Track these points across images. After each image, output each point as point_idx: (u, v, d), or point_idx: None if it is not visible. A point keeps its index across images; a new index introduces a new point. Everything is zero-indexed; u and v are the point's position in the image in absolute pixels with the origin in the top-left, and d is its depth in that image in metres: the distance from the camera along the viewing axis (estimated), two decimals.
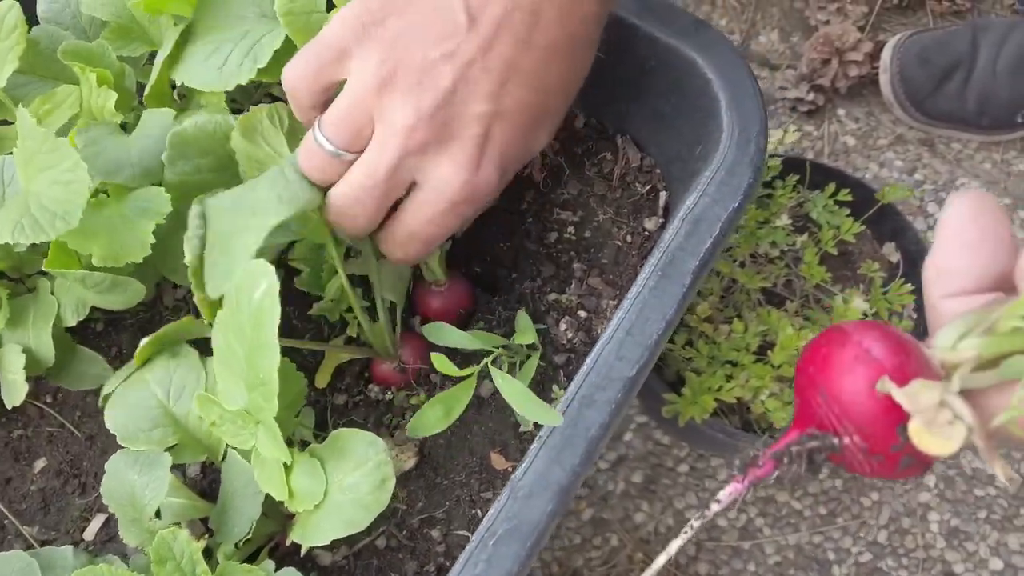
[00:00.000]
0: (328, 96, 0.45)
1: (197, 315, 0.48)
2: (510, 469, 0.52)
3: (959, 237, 0.28)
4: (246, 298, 0.39)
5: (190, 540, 0.42)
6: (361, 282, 0.54)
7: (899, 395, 0.25)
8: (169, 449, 0.47)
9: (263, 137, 0.49)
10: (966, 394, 0.26)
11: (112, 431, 0.46)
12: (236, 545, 0.46)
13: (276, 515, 0.49)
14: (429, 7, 0.42)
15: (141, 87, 0.54)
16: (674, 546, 0.28)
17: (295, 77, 0.45)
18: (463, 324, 0.57)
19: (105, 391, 0.49)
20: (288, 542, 0.46)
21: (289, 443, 0.48)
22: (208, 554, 0.46)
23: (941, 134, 1.06)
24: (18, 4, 0.50)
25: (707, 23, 0.53)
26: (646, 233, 0.58)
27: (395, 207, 0.47)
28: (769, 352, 0.65)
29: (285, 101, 0.61)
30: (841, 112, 1.08)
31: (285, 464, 0.42)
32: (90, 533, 0.52)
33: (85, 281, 0.44)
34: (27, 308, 0.49)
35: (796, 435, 0.28)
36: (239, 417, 0.42)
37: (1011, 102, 1.01)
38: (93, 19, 0.54)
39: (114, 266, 0.43)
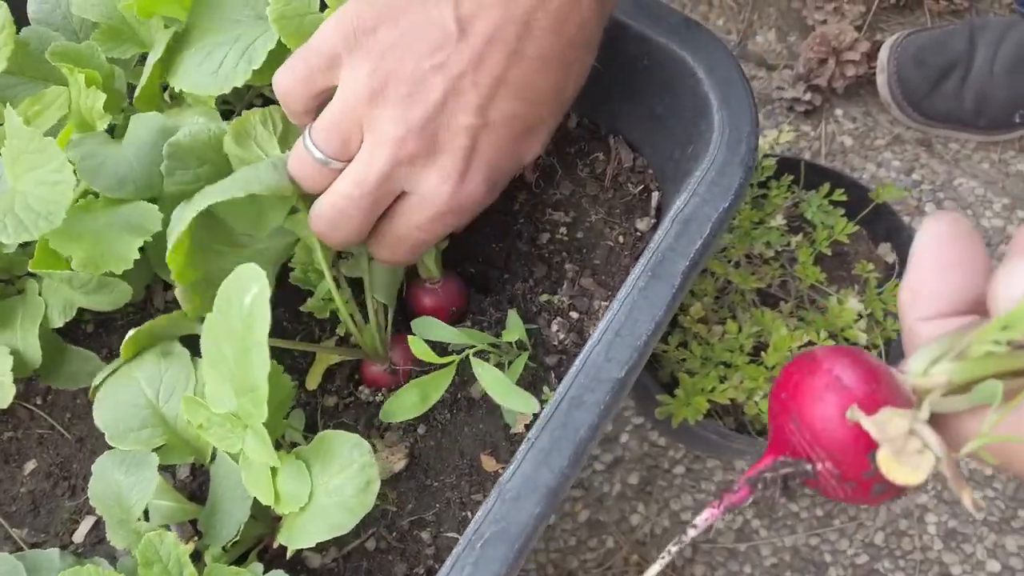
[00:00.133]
0: (320, 102, 0.45)
1: None
2: (501, 471, 0.52)
3: (934, 260, 0.28)
4: (236, 302, 0.39)
5: (177, 542, 0.42)
6: (353, 281, 0.54)
7: (868, 424, 0.25)
8: (157, 450, 0.47)
9: (256, 142, 0.49)
10: (940, 419, 0.26)
11: (101, 429, 0.46)
12: (224, 548, 0.46)
13: (265, 517, 0.48)
14: (421, 18, 0.42)
15: (132, 88, 0.54)
16: (652, 571, 0.28)
17: (286, 83, 0.45)
18: (454, 324, 0.57)
19: (95, 383, 0.48)
20: (276, 544, 0.46)
21: (278, 445, 0.47)
22: (197, 556, 0.46)
23: (939, 134, 1.05)
24: (7, 5, 0.50)
25: (698, 22, 0.53)
26: (638, 234, 0.58)
27: (386, 211, 0.47)
28: (763, 353, 0.65)
29: (278, 103, 0.61)
30: (838, 112, 1.08)
31: (272, 467, 0.42)
32: (79, 536, 0.52)
33: (71, 281, 0.44)
34: (15, 309, 0.49)
35: (770, 461, 0.28)
36: (227, 420, 0.42)
37: (1009, 102, 1.01)
38: (84, 20, 0.54)
39: (94, 273, 0.43)
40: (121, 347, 0.47)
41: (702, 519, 0.28)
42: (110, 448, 0.47)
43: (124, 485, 0.44)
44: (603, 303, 0.56)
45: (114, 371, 0.47)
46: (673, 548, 0.28)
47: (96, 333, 0.57)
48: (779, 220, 0.71)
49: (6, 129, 0.43)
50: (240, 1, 0.51)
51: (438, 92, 0.42)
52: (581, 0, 0.42)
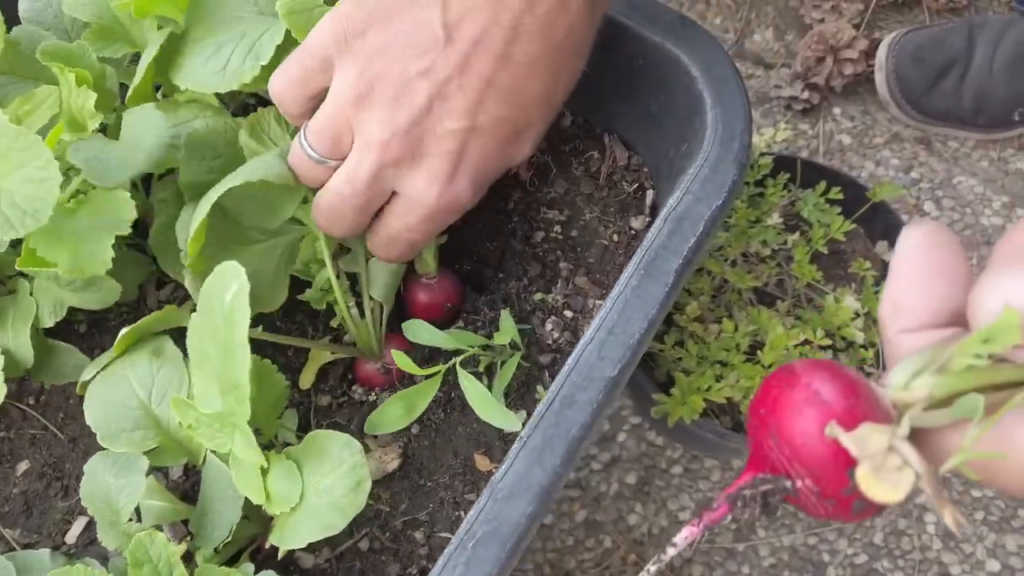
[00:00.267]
0: (316, 103, 0.46)
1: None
2: (494, 470, 0.51)
3: (914, 270, 0.27)
4: (218, 300, 0.39)
5: (167, 543, 0.42)
6: (352, 277, 0.54)
7: (847, 440, 0.25)
8: (150, 452, 0.47)
9: (270, 136, 0.50)
10: (921, 434, 0.26)
11: (93, 428, 0.46)
12: (216, 548, 0.46)
13: (257, 518, 0.48)
14: (409, 22, 0.42)
15: (123, 88, 0.54)
16: None
17: (281, 86, 0.46)
18: (449, 321, 0.56)
19: (84, 377, 0.48)
20: (268, 545, 0.46)
21: (271, 445, 0.47)
22: (190, 557, 0.46)
23: (938, 132, 1.05)
24: None
25: (692, 20, 0.53)
26: (633, 232, 0.58)
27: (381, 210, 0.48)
28: (759, 352, 0.65)
29: (269, 102, 0.61)
30: (836, 111, 1.07)
31: (262, 467, 0.42)
32: (72, 536, 0.52)
33: (59, 280, 0.44)
34: (6, 309, 0.49)
35: (750, 477, 0.28)
36: (215, 420, 0.42)
37: (1008, 100, 1.00)
38: (75, 20, 0.54)
39: (79, 276, 0.43)
40: (115, 343, 0.47)
41: (681, 538, 0.28)
42: (103, 448, 0.47)
43: (114, 487, 0.44)
44: (597, 302, 0.56)
45: (105, 366, 0.47)
46: (652, 568, 0.28)
47: (89, 333, 0.57)
48: (775, 218, 0.71)
49: None
50: None
51: (423, 96, 0.42)
52: (570, 5, 0.42)
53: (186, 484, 0.52)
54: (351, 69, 0.43)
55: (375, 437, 0.53)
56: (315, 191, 0.48)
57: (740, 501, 0.27)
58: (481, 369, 0.53)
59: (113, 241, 0.43)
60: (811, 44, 1.04)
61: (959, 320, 0.26)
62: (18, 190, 0.39)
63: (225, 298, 0.38)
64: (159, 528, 0.47)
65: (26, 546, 0.51)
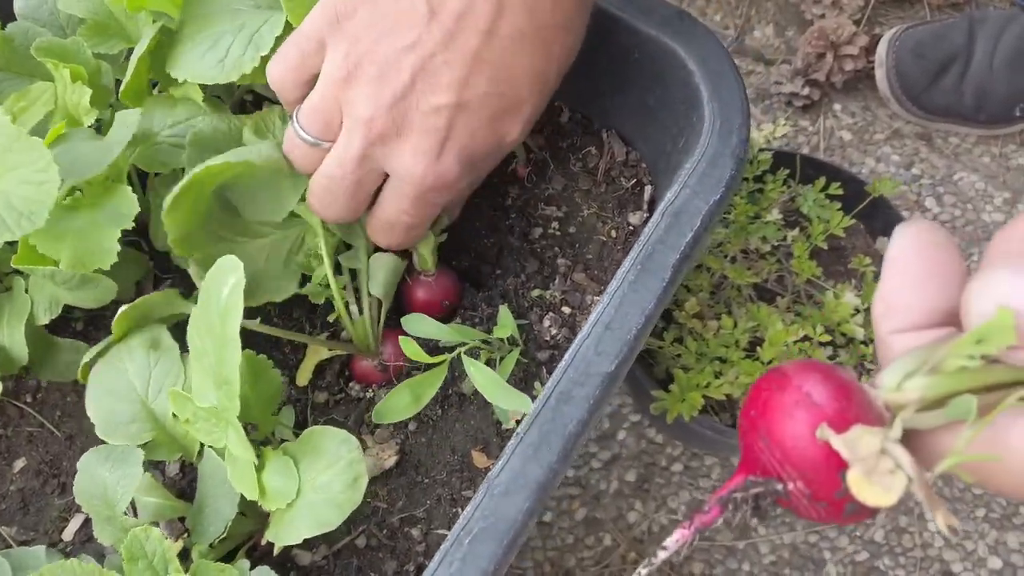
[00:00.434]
0: (312, 88, 0.46)
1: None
2: (492, 467, 0.51)
3: (907, 270, 0.27)
4: (215, 295, 0.39)
5: (162, 538, 0.41)
6: (352, 274, 0.54)
7: (838, 443, 0.24)
8: (144, 446, 0.47)
9: (273, 134, 0.51)
10: (914, 436, 0.25)
11: (92, 419, 0.46)
12: (212, 545, 0.46)
13: (254, 514, 0.48)
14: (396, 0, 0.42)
15: (119, 84, 0.54)
16: None
17: (280, 71, 0.46)
18: (447, 319, 0.56)
19: (85, 359, 0.48)
20: (264, 541, 0.46)
21: (267, 442, 0.47)
22: (186, 554, 0.46)
23: (939, 128, 1.05)
24: None
25: (689, 14, 0.52)
26: (631, 228, 0.58)
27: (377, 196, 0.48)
28: (759, 348, 0.65)
29: (266, 98, 0.61)
30: (837, 107, 1.07)
31: (257, 462, 0.42)
32: (68, 533, 0.52)
33: (55, 278, 0.43)
34: (1, 306, 0.49)
35: (741, 480, 0.27)
36: (211, 415, 0.42)
37: (1009, 95, 1.00)
38: (70, 16, 0.54)
39: (82, 271, 0.43)
40: (113, 323, 0.47)
41: (672, 541, 0.27)
42: (101, 443, 0.47)
43: (109, 481, 0.44)
44: (595, 298, 0.55)
45: (103, 350, 0.47)
46: (643, 571, 0.28)
47: (85, 331, 0.57)
48: (775, 215, 0.71)
49: None
50: None
51: (407, 72, 0.42)
52: None
53: (183, 481, 0.52)
54: (340, 49, 0.43)
55: (372, 433, 0.53)
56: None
57: (731, 504, 0.27)
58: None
59: (119, 235, 0.43)
60: (811, 40, 1.04)
61: (952, 320, 0.26)
62: (15, 192, 0.39)
63: (222, 292, 0.38)
64: (156, 525, 0.47)
65: (23, 543, 0.51)
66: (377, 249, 0.53)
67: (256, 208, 0.50)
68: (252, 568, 0.44)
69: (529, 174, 0.60)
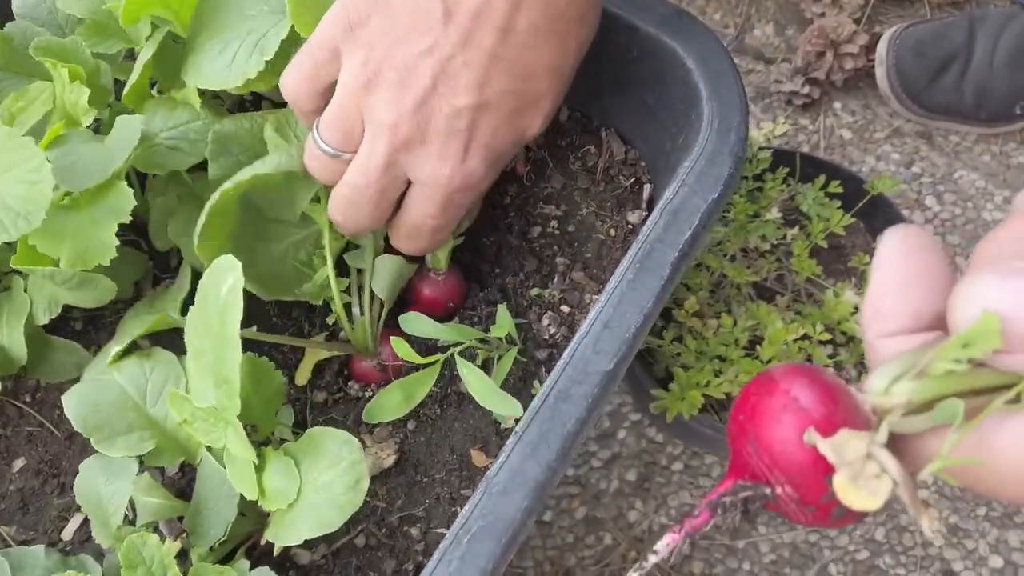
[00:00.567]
0: (328, 98, 0.46)
1: None
2: (490, 466, 0.51)
3: (895, 276, 0.27)
4: (213, 294, 0.39)
5: (159, 544, 0.41)
6: (355, 272, 0.54)
7: (824, 447, 0.24)
8: (147, 453, 0.47)
9: (294, 132, 0.51)
10: (901, 439, 0.26)
11: (84, 434, 0.46)
12: (212, 546, 0.46)
13: (253, 514, 0.48)
14: (409, 3, 0.42)
15: (118, 83, 0.54)
16: None
17: (293, 82, 0.46)
18: (447, 318, 0.56)
19: (115, 351, 0.48)
20: (264, 541, 0.46)
21: (267, 442, 0.47)
22: (185, 555, 0.46)
23: (939, 126, 1.05)
24: None
25: (688, 12, 0.52)
26: (630, 227, 0.58)
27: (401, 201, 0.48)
28: (759, 347, 0.65)
29: (265, 97, 0.61)
30: (837, 105, 1.07)
31: (258, 462, 0.42)
32: (68, 533, 0.52)
33: (54, 277, 0.43)
34: (0, 307, 0.49)
35: (730, 484, 0.27)
36: (210, 415, 0.42)
37: (1009, 94, 1.00)
38: (69, 16, 0.54)
39: (83, 268, 0.43)
40: (108, 362, 0.47)
41: (663, 545, 0.27)
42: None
43: (104, 492, 0.44)
44: (594, 297, 0.55)
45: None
46: (635, 574, 0.28)
47: (85, 331, 0.57)
48: (775, 213, 0.71)
49: None
50: None
51: (427, 77, 0.42)
52: None
53: (182, 481, 0.52)
54: (357, 57, 0.43)
55: (371, 433, 0.53)
56: (330, 188, 0.47)
57: (721, 508, 0.27)
58: (478, 364, 0.52)
59: (116, 229, 0.43)
60: (811, 39, 1.03)
61: (940, 324, 0.26)
62: (10, 192, 0.39)
63: (221, 292, 0.38)
64: (155, 525, 0.47)
65: (22, 543, 0.51)
66: (387, 249, 0.53)
67: (272, 207, 0.51)
68: (252, 568, 0.44)
69: (528, 173, 0.60)
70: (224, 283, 0.38)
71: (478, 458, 0.51)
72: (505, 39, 0.42)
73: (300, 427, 0.53)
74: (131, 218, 0.44)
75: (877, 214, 0.76)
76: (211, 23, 0.50)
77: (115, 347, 0.48)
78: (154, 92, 0.55)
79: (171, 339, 0.50)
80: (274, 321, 0.57)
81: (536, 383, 0.53)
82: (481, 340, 0.52)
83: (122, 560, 0.40)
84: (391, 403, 0.48)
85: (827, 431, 0.25)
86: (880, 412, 0.26)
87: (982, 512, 0.87)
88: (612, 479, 0.88)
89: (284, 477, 0.42)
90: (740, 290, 0.71)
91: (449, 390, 0.53)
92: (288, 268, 0.52)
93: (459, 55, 0.42)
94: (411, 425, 0.53)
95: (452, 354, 0.49)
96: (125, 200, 0.43)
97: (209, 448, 0.44)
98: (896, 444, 0.25)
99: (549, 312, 0.55)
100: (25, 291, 0.49)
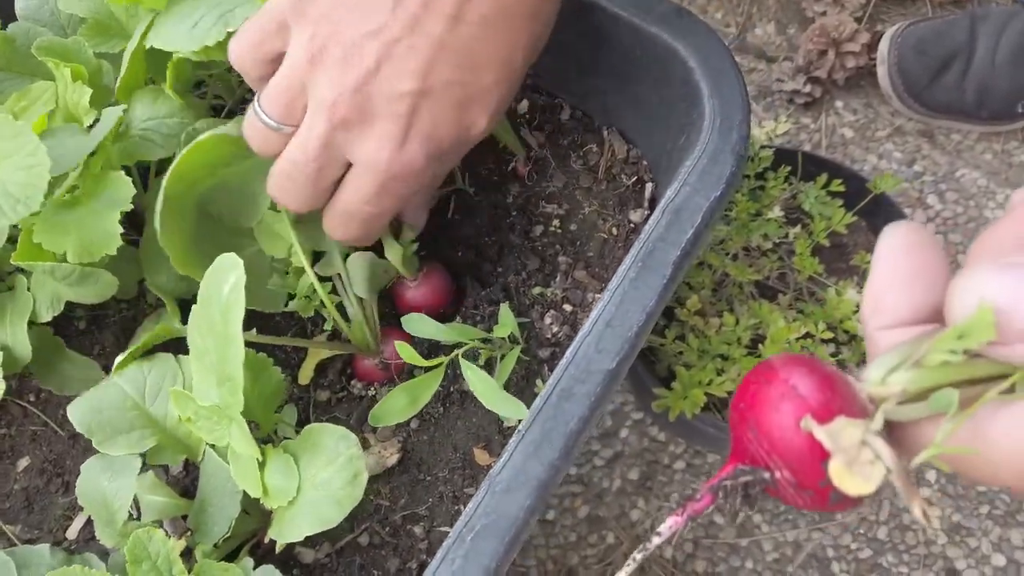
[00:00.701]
0: (275, 68, 0.45)
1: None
2: (493, 464, 0.51)
3: (894, 271, 0.28)
4: (216, 293, 0.39)
5: (165, 540, 0.42)
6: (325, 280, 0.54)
7: (821, 433, 0.25)
8: (149, 451, 0.47)
9: None
10: (898, 428, 0.26)
11: (86, 435, 0.46)
12: (216, 544, 0.46)
13: (257, 512, 0.48)
14: None
15: None
16: None
17: (239, 48, 0.45)
18: (446, 319, 0.56)
19: (119, 360, 0.48)
20: (267, 539, 0.46)
21: (269, 440, 0.47)
22: (190, 553, 0.46)
23: (940, 125, 1.05)
24: None
25: (689, 11, 0.52)
26: (632, 225, 0.58)
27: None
28: (761, 346, 0.65)
29: None
30: (839, 104, 1.07)
31: (259, 460, 0.42)
32: (72, 532, 0.52)
33: (55, 273, 0.44)
34: (3, 305, 0.49)
35: (731, 469, 0.28)
36: (213, 413, 0.42)
37: (1011, 92, 1.00)
38: (71, 16, 0.54)
39: (89, 260, 0.43)
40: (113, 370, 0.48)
41: (666, 527, 0.28)
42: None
43: (108, 490, 0.44)
44: (596, 295, 0.55)
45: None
46: (638, 556, 0.28)
47: (88, 330, 0.57)
48: (777, 212, 0.71)
49: None
50: None
51: (372, 57, 0.41)
52: None
53: (186, 479, 0.52)
54: (305, 31, 0.42)
55: (374, 432, 0.53)
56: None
57: (722, 492, 0.28)
58: (481, 363, 0.52)
59: (119, 217, 0.43)
60: (813, 37, 1.03)
61: (937, 318, 0.27)
62: (8, 178, 0.39)
63: (223, 290, 0.38)
64: (159, 523, 0.47)
65: (27, 542, 0.51)
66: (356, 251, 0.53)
67: (232, 214, 0.50)
68: (255, 566, 0.44)
69: (530, 172, 0.60)
70: (226, 282, 0.38)
71: (481, 456, 0.51)
72: (454, 28, 0.41)
73: (303, 426, 0.53)
74: (131, 206, 0.44)
75: (879, 213, 0.76)
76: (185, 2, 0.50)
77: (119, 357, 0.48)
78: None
79: (172, 341, 0.50)
80: (276, 321, 0.57)
81: (539, 382, 0.53)
82: (484, 339, 0.52)
83: (128, 555, 0.40)
84: (397, 406, 0.49)
85: (824, 418, 0.26)
86: (876, 401, 0.26)
87: (985, 510, 0.87)
88: (615, 478, 0.88)
89: (283, 474, 0.42)
90: (742, 289, 0.71)
91: (452, 389, 0.53)
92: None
93: (405, 39, 0.41)
94: (414, 424, 0.53)
95: (456, 355, 0.49)
96: (124, 189, 0.43)
97: (212, 446, 0.45)
98: (893, 433, 0.26)
99: (551, 311, 0.55)
100: (28, 290, 0.49)
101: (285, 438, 0.50)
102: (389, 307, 0.57)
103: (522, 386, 0.53)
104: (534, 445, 0.41)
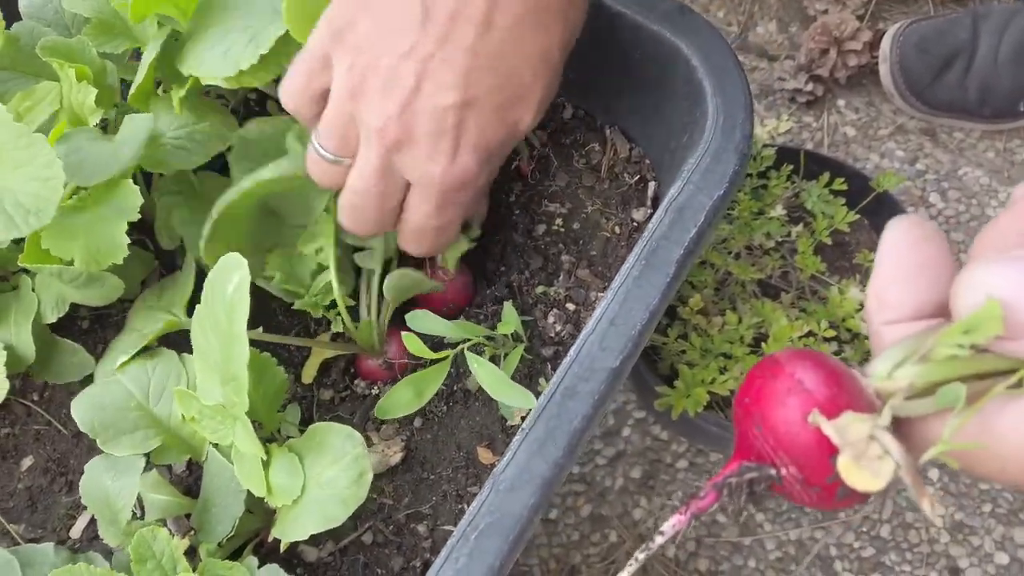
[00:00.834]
0: (325, 104, 0.46)
1: None
2: (497, 463, 0.51)
3: (899, 266, 0.28)
4: (220, 292, 0.39)
5: (170, 538, 0.42)
6: (359, 272, 0.54)
7: (828, 428, 0.25)
8: (153, 451, 0.47)
9: None
10: (905, 423, 0.26)
11: (90, 435, 0.46)
12: (220, 543, 0.46)
13: (260, 511, 0.48)
14: (392, 6, 0.42)
15: (124, 83, 0.54)
16: None
17: (290, 92, 0.47)
18: (450, 317, 0.56)
19: (122, 360, 0.49)
20: (271, 538, 0.46)
21: (272, 439, 0.47)
22: (194, 552, 0.46)
23: (943, 123, 1.04)
24: None
25: (691, 9, 0.52)
26: (635, 224, 0.58)
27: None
28: (764, 344, 0.65)
29: (270, 97, 0.61)
30: (841, 102, 1.07)
31: (264, 459, 0.42)
32: (76, 531, 0.52)
33: (62, 276, 0.44)
34: (8, 305, 0.49)
35: (736, 466, 0.28)
36: (217, 412, 0.42)
37: (1013, 90, 1.00)
38: (75, 15, 0.54)
39: (96, 268, 0.43)
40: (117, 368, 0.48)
41: (669, 526, 0.28)
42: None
43: (111, 490, 0.44)
44: (599, 294, 0.55)
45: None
46: (640, 555, 0.28)
47: (92, 329, 0.57)
48: (779, 210, 0.71)
49: None
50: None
51: (410, 78, 0.42)
52: None
53: (189, 479, 0.53)
54: (344, 63, 0.43)
55: (378, 430, 0.53)
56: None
57: (727, 489, 0.28)
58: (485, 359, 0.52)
59: (126, 227, 0.43)
60: (815, 36, 1.03)
61: (943, 312, 0.27)
62: (21, 189, 0.39)
63: (227, 290, 0.38)
64: (163, 522, 0.47)
65: (31, 541, 0.52)
66: (401, 257, 0.53)
67: (291, 212, 0.51)
68: (260, 565, 0.44)
69: (532, 171, 0.60)
70: (230, 281, 0.39)
71: (484, 455, 0.51)
72: (484, 34, 0.42)
73: (307, 425, 0.53)
74: (139, 216, 0.44)
75: (882, 211, 0.76)
76: (212, 18, 0.51)
77: (121, 357, 0.48)
78: (159, 92, 0.55)
79: (175, 338, 0.50)
80: (280, 320, 0.57)
81: (542, 380, 0.53)
82: (487, 337, 0.52)
83: (132, 554, 0.40)
84: (402, 400, 0.49)
85: (831, 413, 0.25)
86: (883, 396, 0.26)
87: (988, 509, 0.87)
88: (617, 477, 0.88)
89: (288, 473, 0.42)
90: (745, 287, 0.71)
91: (455, 387, 0.53)
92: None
93: (438, 53, 0.42)
94: (417, 423, 0.53)
95: (462, 350, 0.49)
96: (133, 198, 0.43)
97: (216, 445, 0.45)
98: (899, 428, 0.26)
99: (555, 310, 0.55)
100: (33, 290, 0.49)
101: (288, 437, 0.50)
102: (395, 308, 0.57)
103: (525, 384, 0.53)
104: (538, 443, 0.41)
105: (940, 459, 0.25)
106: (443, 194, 0.46)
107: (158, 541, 0.42)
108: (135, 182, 0.46)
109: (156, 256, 0.58)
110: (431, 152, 0.44)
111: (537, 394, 0.52)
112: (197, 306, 0.41)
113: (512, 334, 0.52)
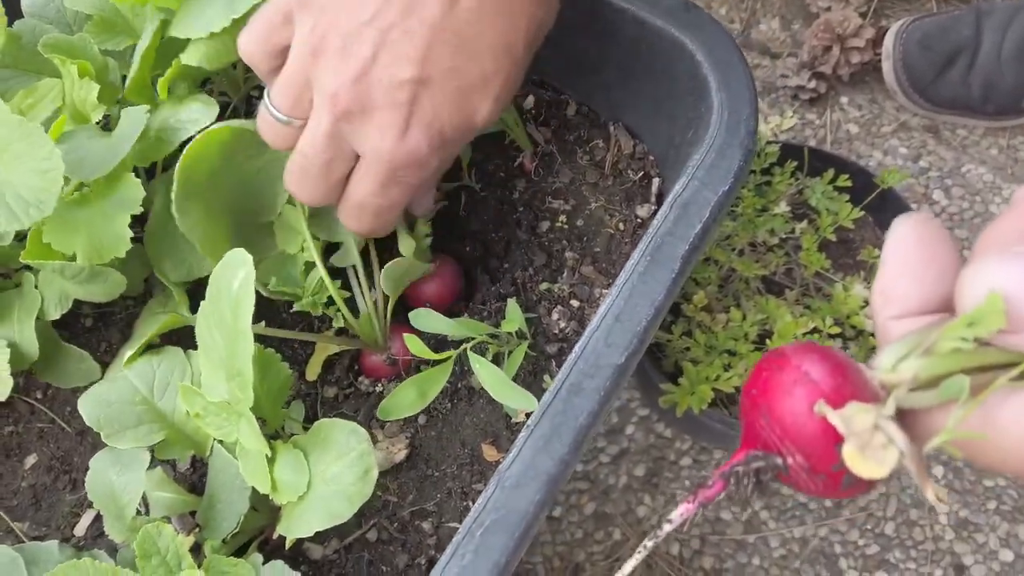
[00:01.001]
0: (283, 60, 0.45)
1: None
2: (502, 460, 0.51)
3: (904, 262, 0.28)
4: (225, 288, 0.39)
5: (175, 534, 0.42)
6: (339, 274, 0.54)
7: (834, 417, 0.25)
8: (156, 445, 0.47)
9: None
10: (909, 414, 0.27)
11: (95, 429, 0.46)
12: (224, 539, 0.46)
13: (265, 508, 0.48)
14: None
15: (126, 80, 0.54)
16: (628, 567, 0.28)
17: (247, 42, 0.46)
18: (454, 313, 0.56)
19: (127, 355, 0.49)
20: (276, 535, 0.46)
21: (276, 436, 0.47)
22: (198, 549, 0.46)
23: (946, 120, 1.04)
24: None
25: (695, 4, 0.52)
26: (639, 221, 0.57)
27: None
28: (768, 341, 0.64)
29: None
30: (844, 100, 1.07)
31: (269, 456, 0.42)
32: (80, 528, 0.52)
33: (64, 272, 0.44)
34: (12, 302, 0.49)
35: (743, 455, 0.29)
36: (222, 409, 0.42)
37: (1016, 87, 0.99)
38: (77, 13, 0.54)
39: (98, 261, 0.43)
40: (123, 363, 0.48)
41: (677, 514, 0.28)
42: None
43: (117, 484, 0.44)
44: (604, 291, 0.55)
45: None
46: (648, 543, 0.29)
47: (95, 327, 0.57)
48: (783, 207, 0.71)
49: None
50: None
51: (369, 46, 0.41)
52: None
53: (194, 476, 0.52)
54: (307, 22, 0.42)
55: (382, 428, 0.53)
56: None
57: (734, 478, 0.28)
58: (488, 359, 0.52)
59: (129, 220, 0.43)
60: (818, 33, 1.03)
61: (948, 307, 0.27)
62: (22, 182, 0.39)
63: (232, 286, 0.38)
64: (167, 519, 0.47)
65: (35, 539, 0.51)
66: (384, 249, 0.53)
67: (256, 210, 0.50)
68: (264, 562, 0.44)
69: (536, 167, 0.60)
70: (235, 278, 0.38)
71: (489, 452, 0.51)
72: (449, 12, 0.41)
73: (311, 422, 0.53)
74: (141, 209, 0.44)
75: (886, 208, 0.76)
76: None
77: (128, 351, 0.48)
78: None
79: (179, 335, 0.50)
80: (284, 316, 0.57)
81: (547, 377, 0.53)
82: (491, 335, 0.52)
83: (137, 550, 0.40)
84: (405, 400, 0.48)
85: (837, 403, 0.26)
86: (888, 388, 0.27)
87: (992, 506, 0.87)
88: (621, 475, 0.88)
89: (293, 470, 0.42)
90: (749, 284, 0.70)
91: (459, 385, 0.53)
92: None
93: (400, 24, 0.41)
94: (422, 420, 0.53)
95: (464, 350, 0.49)
96: (134, 192, 0.43)
97: (220, 441, 0.44)
98: (904, 419, 0.26)
99: (559, 306, 0.55)
100: (36, 287, 0.49)
101: (292, 434, 0.50)
102: (397, 304, 0.57)
103: (529, 381, 0.53)
104: (543, 440, 0.41)
105: (944, 453, 0.25)
106: (390, 171, 0.44)
107: (163, 537, 0.42)
108: (137, 176, 0.46)
109: None
110: (381, 125, 0.43)
111: (541, 391, 0.52)
112: (202, 302, 0.41)
113: (516, 331, 0.52)
